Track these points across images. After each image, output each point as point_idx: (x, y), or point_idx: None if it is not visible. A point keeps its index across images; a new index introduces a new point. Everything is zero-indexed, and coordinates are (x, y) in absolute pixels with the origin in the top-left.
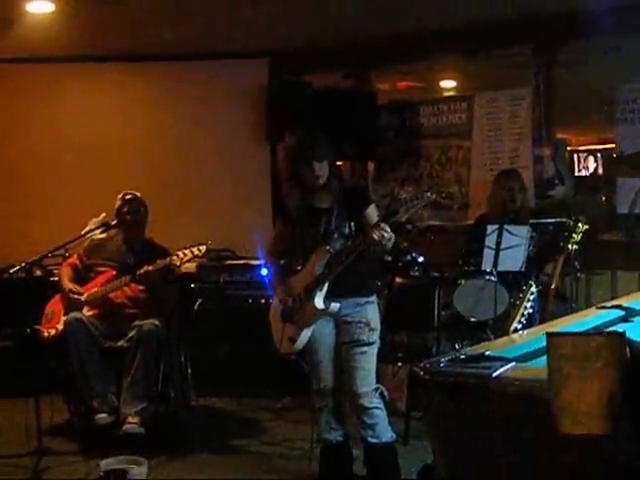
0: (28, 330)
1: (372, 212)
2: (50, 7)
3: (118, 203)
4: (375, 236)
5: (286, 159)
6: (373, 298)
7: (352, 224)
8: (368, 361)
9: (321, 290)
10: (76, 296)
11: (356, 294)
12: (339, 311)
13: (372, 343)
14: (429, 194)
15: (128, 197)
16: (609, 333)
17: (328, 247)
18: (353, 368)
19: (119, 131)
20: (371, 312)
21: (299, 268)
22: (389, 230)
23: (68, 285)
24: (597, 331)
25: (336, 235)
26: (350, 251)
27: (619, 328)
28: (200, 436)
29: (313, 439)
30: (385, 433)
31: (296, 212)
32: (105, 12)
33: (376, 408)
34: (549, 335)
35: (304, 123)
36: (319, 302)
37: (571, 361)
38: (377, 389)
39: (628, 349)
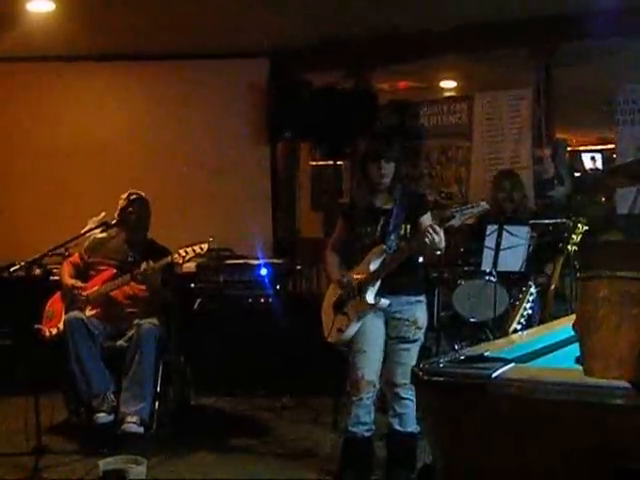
0: (30, 330)
1: (428, 219)
2: (50, 6)
3: (122, 203)
4: (427, 239)
5: (359, 157)
6: (423, 297)
7: (408, 227)
8: (410, 357)
9: (373, 286)
10: (78, 291)
11: (408, 292)
12: (390, 307)
13: (416, 340)
14: (484, 203)
15: (133, 197)
16: None
17: (385, 246)
18: (395, 362)
19: (119, 130)
20: (420, 311)
21: (356, 263)
22: (442, 234)
23: (70, 281)
24: (637, 276)
25: (393, 236)
26: (404, 252)
27: None
28: (199, 436)
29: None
30: (411, 424)
31: (359, 209)
32: (105, 11)
33: (408, 399)
34: (586, 278)
35: (304, 122)
36: (370, 297)
37: (608, 305)
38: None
39: None
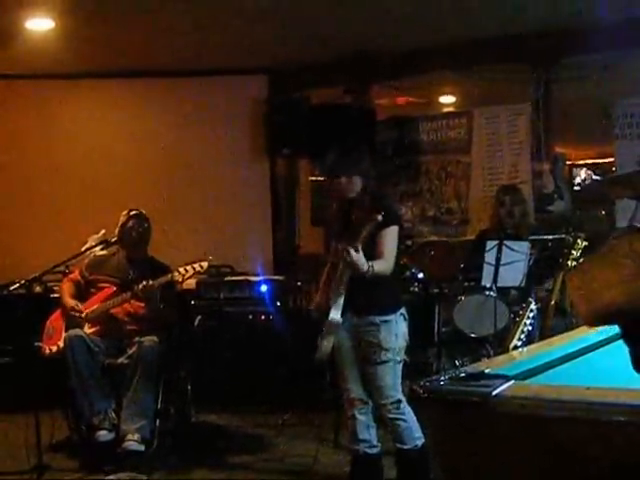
0: (31, 347)
1: (385, 234)
2: (50, 24)
3: (122, 219)
4: (347, 258)
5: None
6: (390, 317)
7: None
8: (382, 378)
9: (336, 303)
10: (77, 314)
11: (370, 313)
12: (357, 327)
13: (384, 362)
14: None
15: (133, 213)
16: None
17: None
18: (370, 383)
19: (118, 147)
20: (385, 332)
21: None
22: (353, 255)
23: (70, 302)
24: None
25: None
26: (345, 268)
27: (619, 344)
28: (200, 453)
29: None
30: (409, 440)
31: (335, 226)
32: (104, 29)
33: (397, 419)
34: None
35: (303, 138)
36: (332, 314)
37: (637, 260)
38: (398, 401)
39: None
